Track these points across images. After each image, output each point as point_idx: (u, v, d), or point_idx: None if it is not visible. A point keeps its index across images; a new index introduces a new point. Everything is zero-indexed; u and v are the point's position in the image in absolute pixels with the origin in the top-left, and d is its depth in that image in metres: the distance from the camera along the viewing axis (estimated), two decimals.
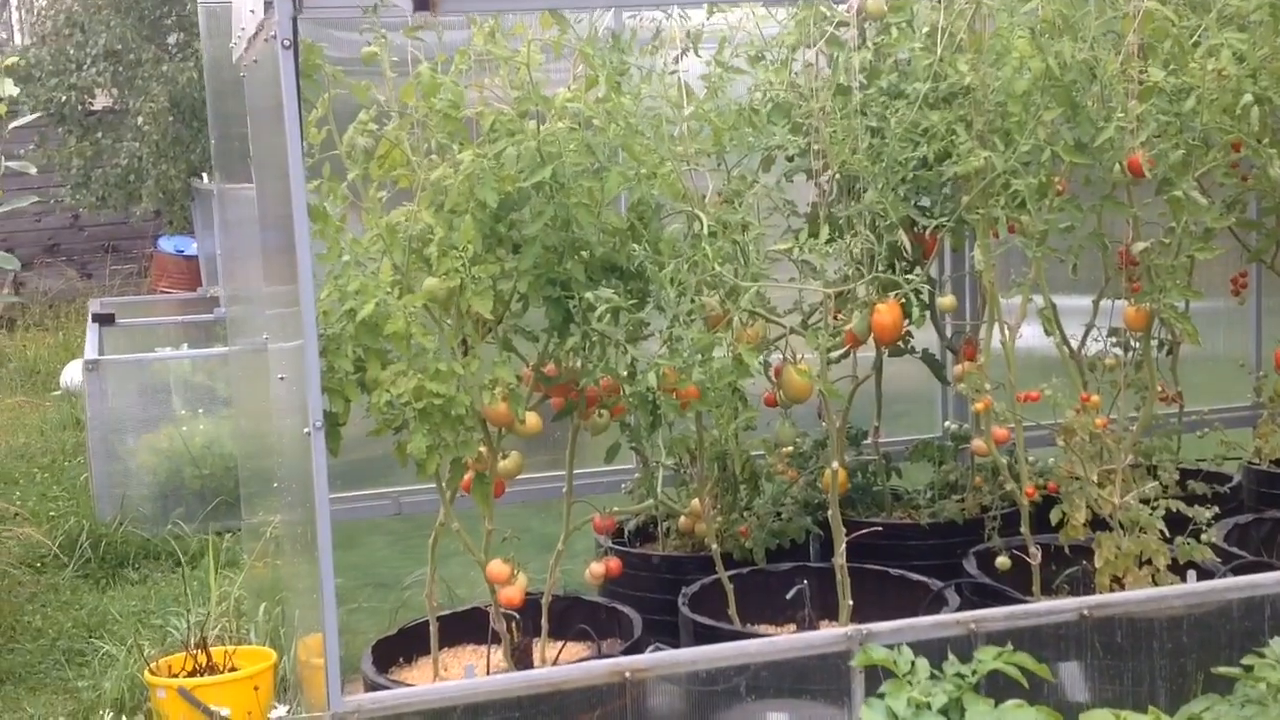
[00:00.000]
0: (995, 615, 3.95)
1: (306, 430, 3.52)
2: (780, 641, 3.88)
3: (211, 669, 4.86)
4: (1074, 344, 5.32)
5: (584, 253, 3.85)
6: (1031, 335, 4.77)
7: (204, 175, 11.80)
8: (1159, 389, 5.17)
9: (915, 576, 4.66)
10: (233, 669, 4.88)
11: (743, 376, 3.78)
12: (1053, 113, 3.86)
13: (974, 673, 2.98)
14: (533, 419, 3.89)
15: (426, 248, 3.72)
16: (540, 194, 3.77)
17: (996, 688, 3.58)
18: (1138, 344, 5.36)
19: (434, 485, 3.98)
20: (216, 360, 8.02)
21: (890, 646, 3.78)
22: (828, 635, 3.87)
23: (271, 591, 5.48)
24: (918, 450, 5.81)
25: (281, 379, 4.30)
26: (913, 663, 2.97)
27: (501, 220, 3.82)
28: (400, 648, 4.50)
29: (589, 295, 3.72)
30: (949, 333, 5.22)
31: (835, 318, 4.78)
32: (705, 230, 3.75)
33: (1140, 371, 5.04)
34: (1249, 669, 3.32)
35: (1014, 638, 3.92)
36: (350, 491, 5.72)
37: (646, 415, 3.95)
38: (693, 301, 3.70)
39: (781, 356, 4.20)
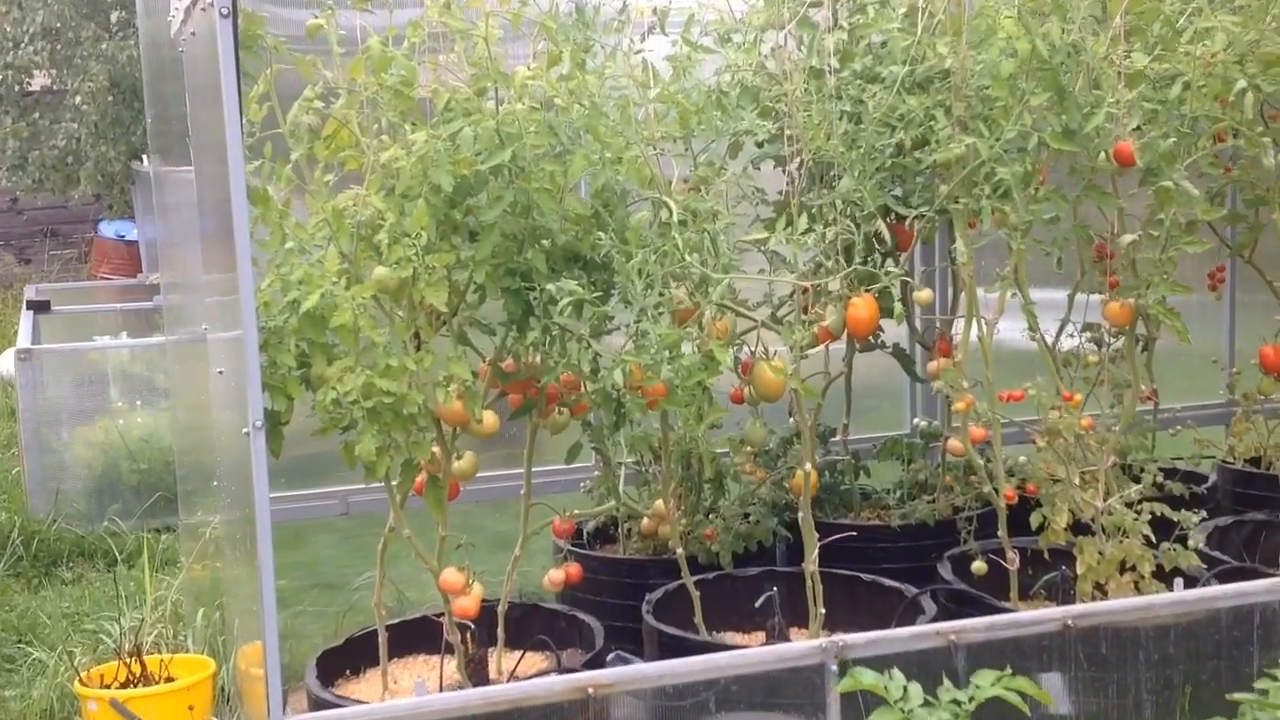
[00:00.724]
0: (976, 626, 3.75)
1: (246, 430, 3.28)
2: (751, 654, 3.66)
3: (146, 679, 4.58)
4: (1048, 340, 5.18)
5: (545, 241, 3.61)
6: (1001, 330, 4.60)
7: (144, 158, 11.44)
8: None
9: (888, 582, 4.46)
10: (169, 679, 4.60)
11: (712, 374, 3.56)
12: (1040, 97, 3.67)
13: (971, 699, 2.78)
14: (490, 418, 3.65)
15: (376, 234, 3.48)
16: (498, 178, 3.53)
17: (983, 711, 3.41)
18: (1113, 339, 5.21)
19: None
20: (156, 350, 7.72)
21: (876, 668, 3.57)
22: (801, 648, 3.66)
23: (210, 596, 5.21)
24: (886, 448, 5.62)
25: (220, 373, 4.05)
26: (905, 688, 2.75)
27: (457, 206, 3.57)
28: (347, 659, 4.25)
29: (551, 287, 3.48)
30: (920, 327, 5.03)
31: (806, 312, 4.61)
32: (675, 218, 3.51)
33: (1117, 368, 4.90)
34: (1264, 693, 3.13)
35: (995, 649, 3.75)
36: (295, 490, 5.45)
37: (610, 414, 3.72)
38: (661, 294, 3.47)
39: (751, 352, 3.98)
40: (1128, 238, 3.97)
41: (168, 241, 6.46)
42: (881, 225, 3.68)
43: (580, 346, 3.72)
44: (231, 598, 4.69)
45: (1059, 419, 3.96)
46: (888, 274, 3.61)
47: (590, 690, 3.49)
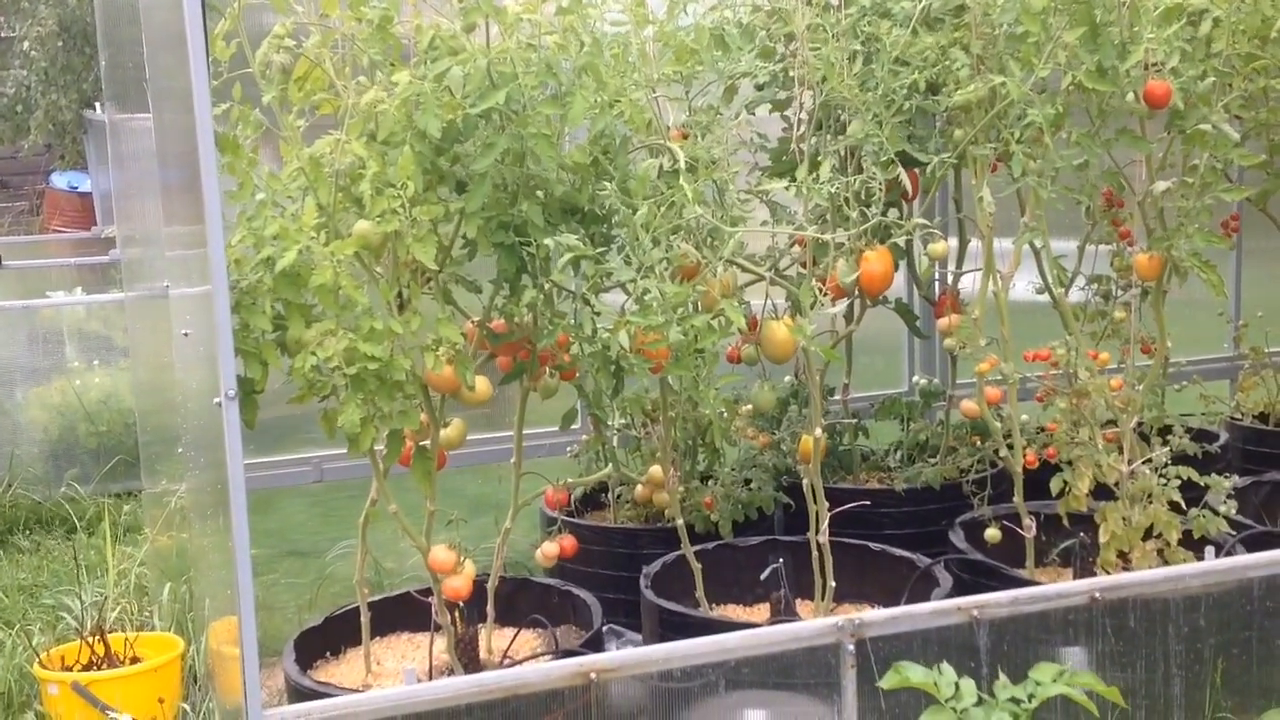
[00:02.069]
0: (999, 601, 3.53)
1: (217, 400, 2.99)
2: (763, 634, 3.43)
3: (110, 660, 4.30)
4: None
5: (540, 192, 3.32)
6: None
7: (98, 105, 11.02)
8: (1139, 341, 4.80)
9: (898, 552, 4.24)
10: (134, 659, 4.33)
11: (724, 336, 3.30)
12: (1075, 33, 3.40)
13: (1031, 697, 2.54)
14: (483, 384, 3.38)
15: (357, 185, 3.18)
16: (490, 123, 3.23)
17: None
18: (1121, 292, 4.99)
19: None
20: (113, 306, 7.39)
21: (896, 646, 3.38)
22: (816, 626, 3.43)
23: (178, 568, 4.93)
24: (884, 407, 5.40)
25: (186, 335, 3.75)
26: (956, 685, 2.51)
27: (444, 154, 3.28)
28: (326, 639, 3.99)
29: (549, 241, 3.20)
30: (925, 282, 4.78)
31: (806, 268, 4.36)
32: (682, 166, 3.23)
33: (1121, 323, 4.68)
34: None
35: (1019, 624, 3.55)
36: (266, 457, 5.17)
37: (609, 378, 3.44)
38: (669, 249, 3.19)
39: (760, 311, 3.72)
40: (1161, 185, 3.72)
41: (124, 193, 6.13)
42: (903, 172, 3.41)
43: (579, 306, 3.45)
44: (200, 571, 4.41)
45: (1089, 380, 3.72)
46: (919, 225, 3.34)
47: (593, 675, 3.25)
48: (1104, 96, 3.64)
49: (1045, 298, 4.65)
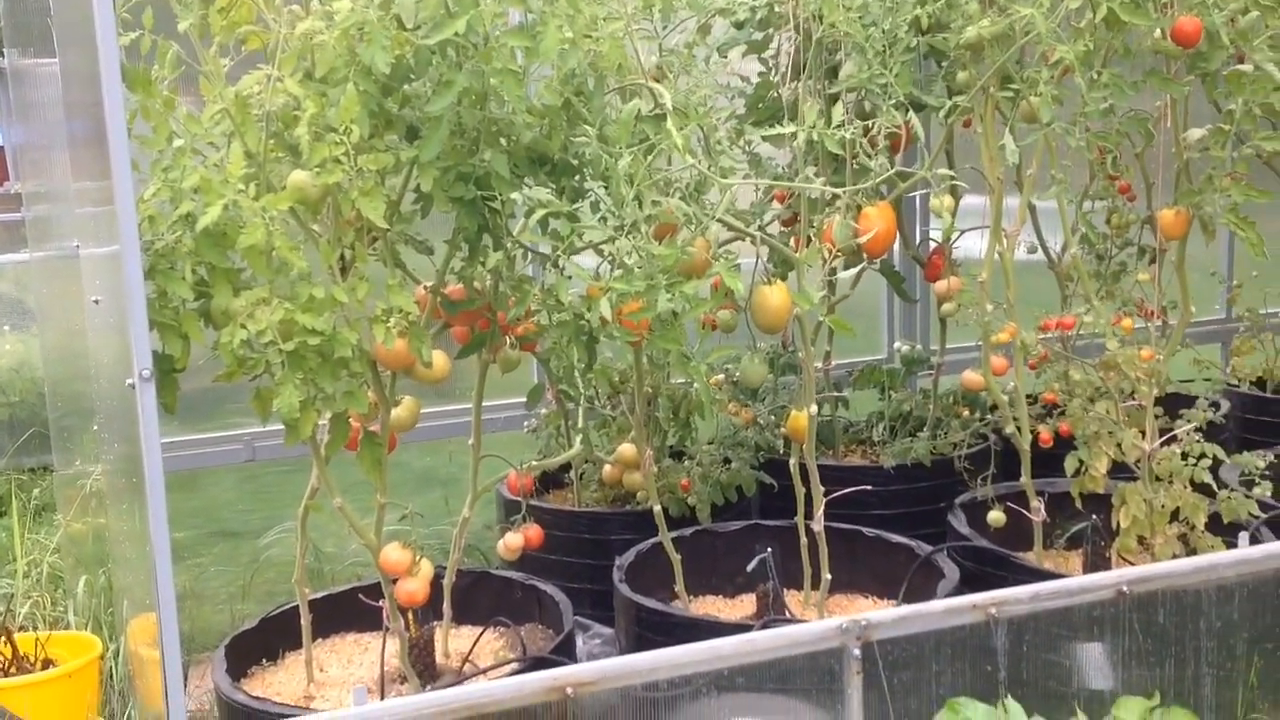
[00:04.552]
0: (1019, 597, 3.15)
1: (130, 381, 2.55)
2: (760, 639, 3.03)
3: (19, 664, 3.84)
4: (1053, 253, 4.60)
5: (505, 139, 2.89)
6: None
7: (1, 52, 10.35)
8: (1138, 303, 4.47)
9: (895, 538, 3.87)
10: (47, 663, 3.87)
11: (715, 304, 2.89)
12: None
13: None
14: (440, 360, 2.95)
15: (292, 129, 2.73)
16: (445, 58, 2.79)
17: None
18: (1117, 250, 4.64)
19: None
20: (25, 267, 6.86)
21: (905, 648, 3.02)
22: (818, 629, 3.04)
23: (94, 557, 4.46)
24: (863, 375, 5.02)
25: (96, 302, 3.30)
26: None
27: (392, 94, 2.83)
28: (261, 643, 3.55)
29: (516, 195, 2.77)
30: (916, 240, 4.40)
31: (788, 225, 3.97)
32: (669, 109, 2.81)
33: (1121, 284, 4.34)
34: None
35: (1040, 621, 3.20)
36: (192, 435, 4.70)
37: (582, 350, 3.02)
38: (655, 204, 2.77)
39: (751, 274, 3.31)
40: (1196, 132, 3.35)
41: (31, 145, 5.61)
42: (914, 117, 3.00)
43: (546, 270, 3.03)
44: (119, 562, 3.96)
45: (1118, 351, 3.35)
46: (945, 176, 2.94)
47: (569, 691, 2.85)
48: (1131, 34, 3.26)
49: (1031, 258, 4.32)
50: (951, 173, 3.08)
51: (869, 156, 2.88)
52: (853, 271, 3.06)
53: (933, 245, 4.37)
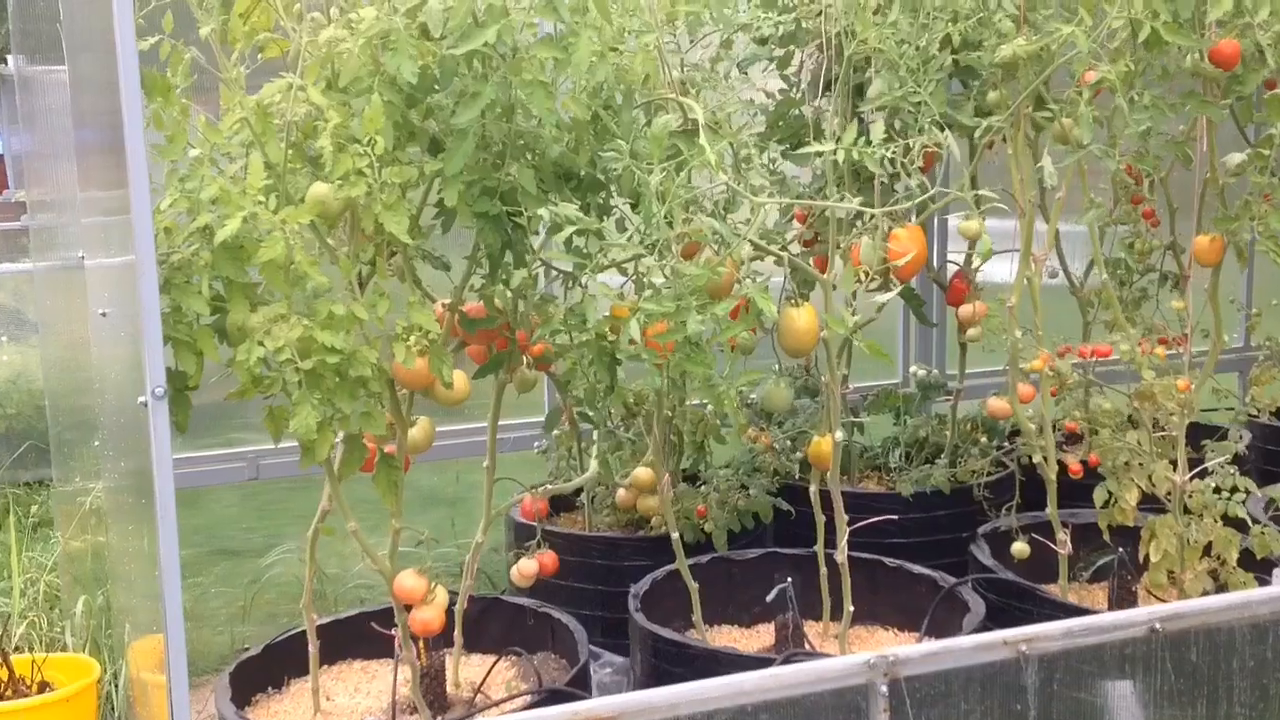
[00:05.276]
0: (1051, 633, 3.06)
1: (142, 399, 2.45)
2: (784, 675, 2.93)
3: (15, 687, 3.75)
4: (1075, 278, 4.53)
5: (531, 153, 2.80)
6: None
7: (7, 59, 10.27)
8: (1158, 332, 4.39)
9: (916, 568, 3.77)
10: (44, 685, 3.77)
11: (747, 326, 2.80)
12: None
13: None
14: (461, 381, 2.86)
15: (314, 140, 2.64)
16: (471, 69, 2.71)
17: None
18: (1139, 276, 4.57)
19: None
20: (24, 277, 6.77)
21: (934, 685, 2.93)
22: (844, 665, 2.94)
23: (93, 577, 4.36)
24: (878, 400, 4.93)
25: (104, 315, 3.21)
26: None
27: (415, 105, 2.75)
28: (266, 670, 3.45)
29: (542, 211, 2.68)
30: (937, 264, 4.32)
31: (808, 245, 3.89)
32: (702, 123, 2.73)
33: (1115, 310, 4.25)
34: None
35: (1071, 659, 3.11)
36: (193, 452, 4.60)
37: (605, 373, 2.94)
38: (686, 222, 2.69)
39: (778, 296, 3.23)
40: (1236, 157, 3.27)
41: (36, 153, 5.52)
42: (950, 138, 2.92)
43: (568, 289, 2.95)
44: (120, 582, 3.86)
45: (1154, 381, 3.27)
46: (986, 198, 2.86)
47: None
48: (1167, 56, 3.19)
49: (1050, 282, 4.24)
50: (994, 194, 3.00)
51: (909, 175, 2.79)
52: (890, 295, 2.96)
53: (952, 269, 4.29)
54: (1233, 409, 5.19)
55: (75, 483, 4.54)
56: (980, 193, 2.94)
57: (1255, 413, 5.19)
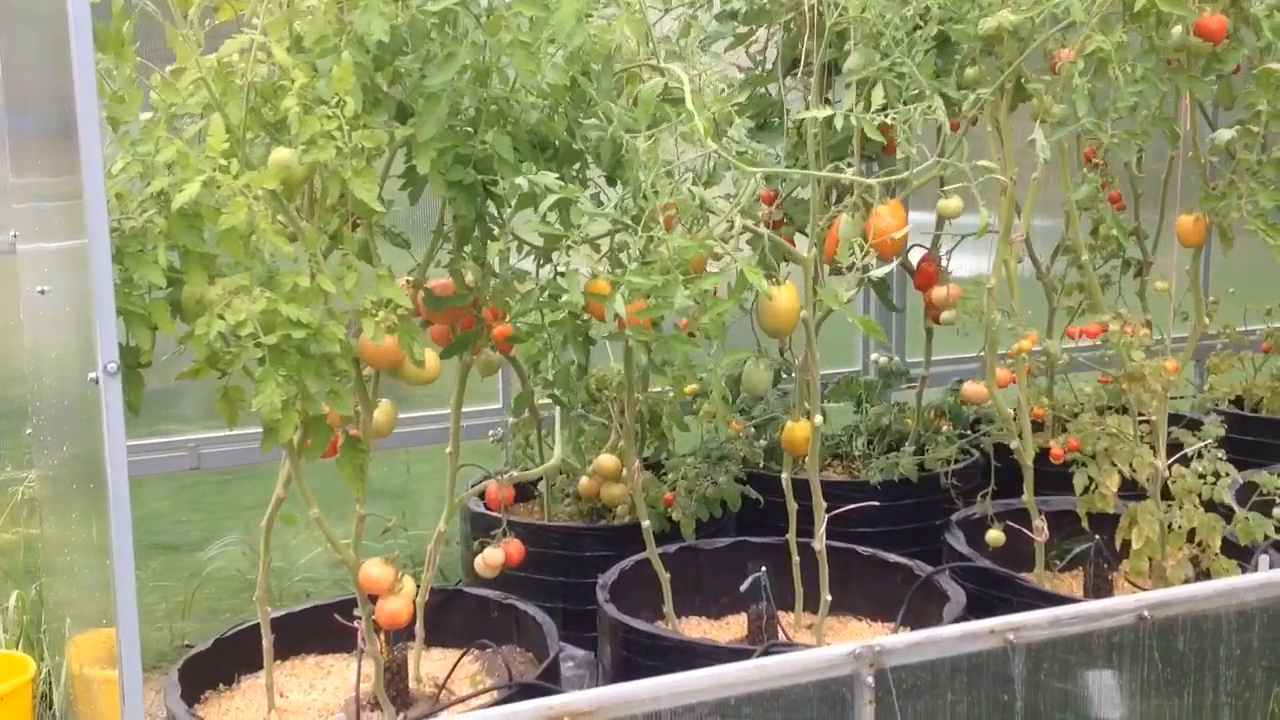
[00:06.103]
0: (1038, 621, 2.98)
1: (92, 375, 2.29)
2: (767, 666, 2.82)
3: None
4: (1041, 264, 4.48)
5: (506, 120, 2.66)
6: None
7: None
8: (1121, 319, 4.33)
9: (892, 557, 3.67)
10: None
11: (734, 302, 2.68)
12: None
13: None
14: (433, 360, 2.71)
15: (277, 102, 2.48)
16: (444, 30, 2.56)
17: None
18: (1103, 261, 4.52)
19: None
20: None
21: (919, 675, 2.84)
22: (829, 656, 2.84)
23: (25, 572, 4.15)
24: (839, 388, 4.84)
25: (43, 292, 3.02)
26: None
27: (383, 68, 2.59)
28: (215, 665, 3.27)
29: (520, 181, 2.54)
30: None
31: (776, 227, 3.79)
32: (688, 91, 2.60)
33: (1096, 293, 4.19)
34: None
35: (1057, 648, 3.03)
36: (129, 440, 4.38)
37: (581, 353, 2.80)
38: (672, 193, 2.56)
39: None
40: (1225, 133, 3.20)
41: None
42: (941, 109, 2.81)
43: (545, 266, 2.81)
44: (58, 576, 3.66)
45: (1144, 362, 3.19)
46: (979, 168, 2.76)
47: None
48: (1152, 28, 3.11)
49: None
50: (993, 165, 2.90)
51: (909, 144, 2.68)
52: (884, 269, 2.85)
53: (920, 252, 4.20)
54: (1181, 396, 5.18)
55: (6, 472, 4.33)
56: (982, 164, 2.84)
57: (1214, 401, 5.18)
